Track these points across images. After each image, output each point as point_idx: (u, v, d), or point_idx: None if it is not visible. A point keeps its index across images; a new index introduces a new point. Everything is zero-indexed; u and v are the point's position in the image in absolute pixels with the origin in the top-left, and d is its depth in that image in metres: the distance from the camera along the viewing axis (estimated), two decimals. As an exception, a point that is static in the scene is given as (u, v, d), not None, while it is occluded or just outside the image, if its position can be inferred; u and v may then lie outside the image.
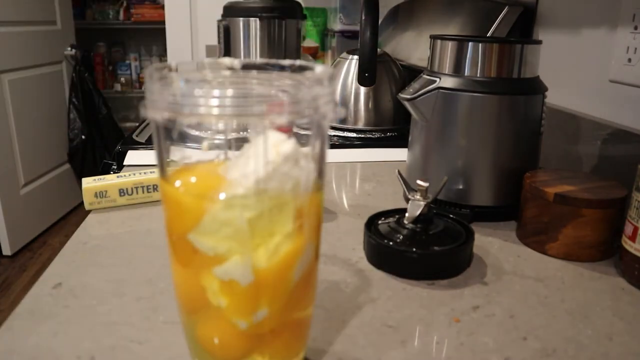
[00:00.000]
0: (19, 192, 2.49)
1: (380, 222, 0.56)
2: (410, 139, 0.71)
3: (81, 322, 0.42)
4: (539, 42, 0.64)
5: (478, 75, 0.62)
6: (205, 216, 0.30)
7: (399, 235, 0.53)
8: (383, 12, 1.33)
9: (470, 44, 0.62)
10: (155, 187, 0.66)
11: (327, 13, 2.07)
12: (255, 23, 1.46)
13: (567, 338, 0.42)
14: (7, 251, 2.43)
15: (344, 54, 1.08)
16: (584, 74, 0.76)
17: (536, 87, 0.63)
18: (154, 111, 0.30)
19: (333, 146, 0.96)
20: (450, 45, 0.64)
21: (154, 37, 3.60)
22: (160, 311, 0.44)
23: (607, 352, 0.40)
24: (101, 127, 3.08)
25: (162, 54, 3.62)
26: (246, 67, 0.35)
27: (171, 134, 0.32)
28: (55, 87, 2.82)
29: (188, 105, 0.29)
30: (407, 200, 0.56)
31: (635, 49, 0.66)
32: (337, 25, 1.92)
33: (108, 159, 0.89)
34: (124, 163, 0.84)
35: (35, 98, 2.58)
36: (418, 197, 0.53)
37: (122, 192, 0.65)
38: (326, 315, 0.44)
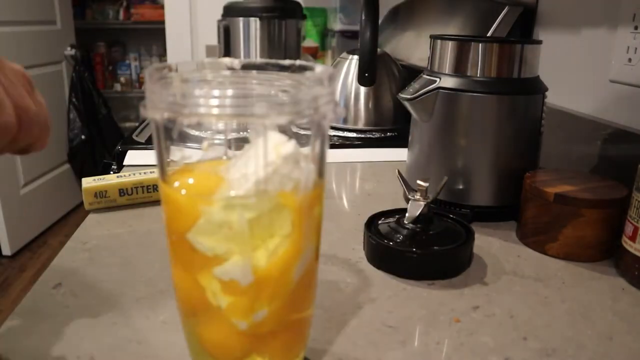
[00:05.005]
0: (19, 192, 2.49)
1: (380, 222, 0.56)
2: (410, 139, 0.71)
3: (81, 322, 0.42)
4: (539, 42, 0.64)
5: (478, 75, 0.62)
6: (205, 217, 0.30)
7: (399, 235, 0.53)
8: (383, 12, 1.33)
9: (470, 44, 0.62)
10: (155, 187, 0.66)
11: (327, 13, 2.08)
12: (255, 23, 1.46)
13: (567, 338, 0.42)
14: (7, 251, 2.43)
15: (344, 54, 1.08)
16: (584, 74, 0.76)
17: (536, 87, 0.63)
18: (154, 111, 0.30)
19: (333, 146, 0.96)
20: (450, 45, 0.64)
21: (154, 37, 3.60)
22: (160, 311, 0.44)
23: (607, 352, 0.40)
24: (101, 127, 3.08)
25: (162, 54, 3.62)
26: (246, 67, 0.35)
27: (171, 134, 0.32)
28: (55, 87, 2.82)
29: (188, 105, 0.29)
30: (407, 200, 0.56)
31: (636, 49, 0.66)
32: (337, 25, 1.92)
33: (108, 159, 0.89)
34: (124, 163, 0.84)
35: (35, 98, 2.57)
36: (418, 197, 0.53)
37: (122, 192, 0.65)
38: (326, 315, 0.44)
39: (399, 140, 0.96)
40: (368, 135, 1.02)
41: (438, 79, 0.63)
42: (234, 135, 0.36)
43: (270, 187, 0.30)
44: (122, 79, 3.63)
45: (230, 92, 0.31)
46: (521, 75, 0.62)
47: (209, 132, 0.36)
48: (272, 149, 0.30)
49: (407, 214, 0.53)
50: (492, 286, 0.49)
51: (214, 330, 0.34)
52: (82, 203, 0.66)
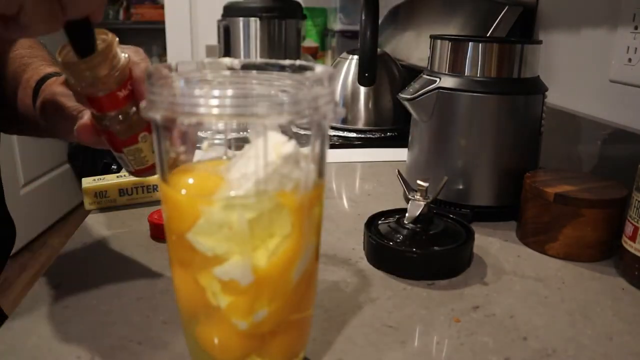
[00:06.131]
0: (19, 192, 2.49)
1: (380, 222, 0.56)
2: (410, 139, 0.71)
3: (81, 322, 0.42)
4: (539, 42, 0.64)
5: (478, 75, 0.62)
6: (205, 217, 0.30)
7: (399, 235, 0.53)
8: (383, 12, 1.33)
9: (470, 44, 0.62)
10: (155, 187, 0.66)
11: (327, 13, 2.08)
12: (255, 23, 1.46)
13: (567, 338, 0.42)
14: (7, 251, 2.42)
15: (344, 54, 1.08)
16: (584, 74, 0.76)
17: (536, 87, 0.63)
18: (154, 111, 0.30)
19: (333, 146, 0.96)
20: (450, 45, 0.64)
21: (154, 37, 3.59)
22: (160, 311, 0.44)
23: (607, 352, 0.40)
24: (101, 127, 3.07)
25: (162, 54, 3.62)
26: (246, 67, 0.35)
27: (171, 134, 0.32)
28: (55, 87, 2.81)
29: (188, 105, 0.29)
30: (407, 200, 0.56)
31: (636, 49, 0.66)
32: (337, 25, 1.92)
33: (108, 159, 0.89)
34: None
35: (35, 98, 2.57)
36: (418, 197, 0.53)
37: (122, 192, 0.65)
38: (326, 315, 0.44)
39: (399, 140, 0.96)
40: (368, 135, 1.02)
41: (438, 79, 0.63)
42: (234, 135, 0.36)
43: (270, 187, 0.30)
44: (122, 79, 3.62)
45: (230, 92, 0.31)
46: (521, 75, 0.62)
47: (209, 132, 0.36)
48: (272, 149, 0.30)
49: (407, 214, 0.53)
50: (492, 286, 0.49)
51: (214, 330, 0.34)
52: (82, 203, 0.66)
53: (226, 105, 0.29)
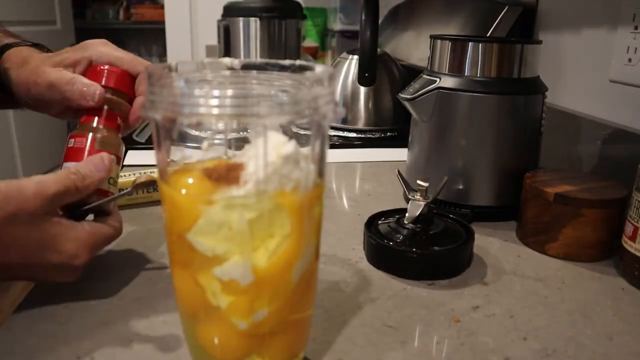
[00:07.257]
0: (19, 192, 2.48)
1: (380, 222, 0.56)
2: (410, 139, 0.71)
3: (81, 322, 0.42)
4: (539, 42, 0.64)
5: (478, 75, 0.62)
6: (205, 217, 0.30)
7: (399, 235, 0.53)
8: (383, 12, 1.33)
9: (470, 44, 0.62)
10: (155, 187, 0.66)
11: (327, 13, 2.08)
12: (255, 23, 1.46)
13: (567, 338, 0.42)
14: (7, 251, 2.42)
15: (344, 54, 1.08)
16: (584, 74, 0.76)
17: (536, 87, 0.63)
18: (154, 111, 0.30)
19: (333, 146, 0.96)
20: (450, 45, 0.64)
21: (154, 37, 3.60)
22: (160, 311, 0.44)
23: (607, 352, 0.40)
24: (101, 127, 3.07)
25: (162, 54, 3.62)
26: (246, 67, 0.35)
27: (171, 134, 0.32)
28: (55, 87, 2.81)
29: (188, 105, 0.29)
30: (407, 200, 0.56)
31: (636, 49, 0.66)
32: (337, 25, 1.92)
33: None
34: (124, 163, 0.84)
35: (35, 98, 2.57)
36: (418, 197, 0.53)
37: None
38: (326, 315, 0.44)
39: (399, 140, 0.96)
40: (368, 135, 1.02)
41: (438, 79, 0.63)
42: (234, 135, 0.36)
43: (270, 187, 0.30)
44: (122, 79, 3.62)
45: (230, 92, 0.31)
46: (521, 75, 0.62)
47: (209, 132, 0.36)
48: (272, 149, 0.30)
49: (407, 214, 0.53)
50: (492, 286, 0.49)
51: (214, 330, 0.34)
52: (82, 203, 0.65)
53: (226, 105, 0.29)
